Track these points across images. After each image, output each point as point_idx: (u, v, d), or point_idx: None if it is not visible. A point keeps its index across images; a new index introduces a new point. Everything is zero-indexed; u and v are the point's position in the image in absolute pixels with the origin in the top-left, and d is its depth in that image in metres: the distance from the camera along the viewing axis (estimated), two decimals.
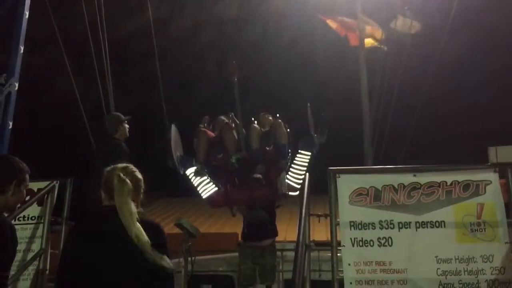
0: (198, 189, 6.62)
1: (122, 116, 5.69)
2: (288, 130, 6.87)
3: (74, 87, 7.98)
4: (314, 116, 7.13)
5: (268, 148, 6.53)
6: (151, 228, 2.66)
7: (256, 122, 6.98)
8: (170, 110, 7.86)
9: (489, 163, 4.08)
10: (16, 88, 6.24)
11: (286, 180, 6.56)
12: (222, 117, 7.10)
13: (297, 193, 6.87)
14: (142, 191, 2.80)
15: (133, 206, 2.60)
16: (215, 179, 6.70)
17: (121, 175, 2.69)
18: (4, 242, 2.63)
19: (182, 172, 7.12)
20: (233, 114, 7.02)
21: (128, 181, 2.67)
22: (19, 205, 3.09)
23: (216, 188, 6.60)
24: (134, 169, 2.81)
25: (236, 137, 6.68)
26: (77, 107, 8.06)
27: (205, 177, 6.61)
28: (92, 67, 7.93)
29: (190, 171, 6.74)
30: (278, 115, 7.05)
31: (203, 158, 6.66)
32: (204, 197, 6.61)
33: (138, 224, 2.55)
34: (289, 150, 6.74)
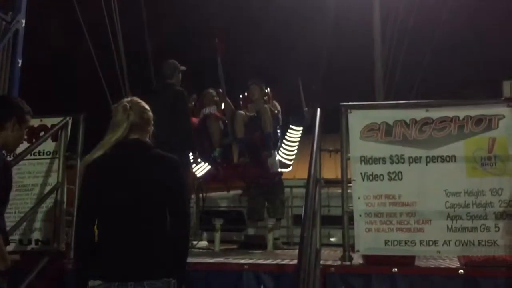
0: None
1: (179, 65, 5.82)
2: (278, 108, 6.64)
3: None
4: (305, 90, 6.91)
5: (255, 135, 6.31)
6: (161, 162, 2.60)
7: (246, 93, 6.81)
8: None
9: (502, 98, 4.04)
10: (23, 25, 6.17)
11: (278, 157, 6.50)
12: (211, 91, 6.83)
13: (289, 169, 6.88)
14: (151, 123, 2.74)
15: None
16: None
17: (127, 106, 2.64)
18: None
19: None
20: (221, 90, 6.69)
21: (132, 113, 2.62)
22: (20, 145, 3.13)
23: (209, 167, 6.53)
24: (140, 101, 2.74)
25: (221, 127, 6.51)
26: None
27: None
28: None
29: None
30: (268, 89, 6.78)
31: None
32: (198, 175, 6.58)
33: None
34: (279, 131, 6.55)
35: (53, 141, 4.50)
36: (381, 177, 4.07)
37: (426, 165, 4.04)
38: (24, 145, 4.37)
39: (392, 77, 9.37)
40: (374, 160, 4.11)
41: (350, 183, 4.16)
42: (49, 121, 4.56)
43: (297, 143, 6.83)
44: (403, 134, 4.12)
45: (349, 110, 4.24)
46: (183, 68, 5.92)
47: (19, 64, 6.10)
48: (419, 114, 4.14)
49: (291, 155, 6.70)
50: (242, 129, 6.30)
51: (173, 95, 5.53)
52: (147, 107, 2.74)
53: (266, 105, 6.39)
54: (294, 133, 6.76)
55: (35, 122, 4.52)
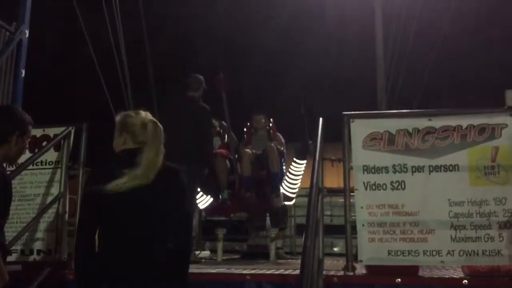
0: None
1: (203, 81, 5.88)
2: (282, 140, 6.66)
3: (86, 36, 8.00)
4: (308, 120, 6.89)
5: (261, 173, 6.33)
6: (171, 174, 2.61)
7: (249, 123, 6.83)
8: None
9: (505, 107, 4.03)
10: (27, 35, 6.20)
11: (282, 190, 6.47)
12: (214, 122, 6.73)
13: (292, 202, 6.88)
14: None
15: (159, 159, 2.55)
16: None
17: (154, 120, 2.65)
18: None
19: None
20: (223, 122, 6.73)
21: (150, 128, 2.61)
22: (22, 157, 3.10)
23: (212, 199, 6.49)
24: (155, 121, 2.73)
25: (228, 165, 6.48)
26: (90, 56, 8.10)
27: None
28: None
29: None
30: (271, 120, 6.79)
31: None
32: (201, 208, 6.55)
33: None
34: (284, 167, 6.53)
35: (55, 151, 4.50)
36: (384, 187, 4.05)
37: (429, 174, 4.02)
38: (26, 155, 4.38)
39: (395, 86, 9.37)
40: (376, 170, 4.10)
41: (353, 192, 4.14)
42: (51, 131, 4.56)
43: (301, 176, 6.82)
44: (405, 143, 4.11)
45: (351, 119, 4.23)
46: (205, 87, 5.96)
47: (23, 75, 6.12)
48: (422, 123, 4.13)
49: (294, 188, 6.68)
50: (249, 168, 6.28)
51: (199, 111, 5.58)
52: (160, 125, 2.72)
53: (272, 144, 6.39)
54: (298, 167, 6.72)
55: (37, 132, 4.53)
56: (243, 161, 6.32)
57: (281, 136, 6.80)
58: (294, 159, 6.83)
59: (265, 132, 6.77)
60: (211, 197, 6.43)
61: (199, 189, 6.26)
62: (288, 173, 6.73)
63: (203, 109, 5.67)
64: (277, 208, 6.37)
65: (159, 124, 2.67)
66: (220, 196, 6.35)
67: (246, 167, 6.27)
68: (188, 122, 5.44)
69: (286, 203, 6.71)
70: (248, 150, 6.45)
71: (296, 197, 8.25)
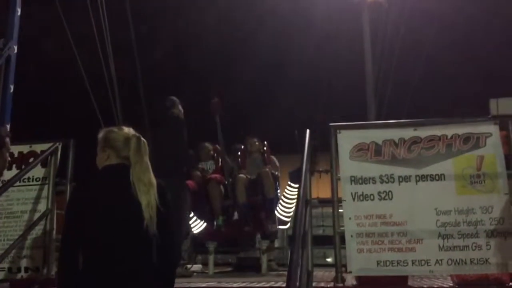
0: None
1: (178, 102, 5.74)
2: (276, 163, 6.64)
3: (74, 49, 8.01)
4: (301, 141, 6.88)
5: (256, 198, 6.24)
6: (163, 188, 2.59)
7: (243, 147, 6.80)
8: None
9: (490, 116, 4.08)
10: (15, 51, 6.20)
11: (277, 214, 6.40)
12: (207, 145, 6.80)
13: (287, 226, 6.80)
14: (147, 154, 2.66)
15: (152, 175, 2.53)
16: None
17: (137, 135, 2.62)
18: None
19: None
20: (217, 146, 6.67)
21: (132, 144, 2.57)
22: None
23: (205, 224, 6.37)
24: (139, 135, 2.69)
25: (222, 191, 6.42)
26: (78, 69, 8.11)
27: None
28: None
29: None
30: (265, 143, 6.76)
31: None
32: (195, 232, 6.42)
33: (154, 194, 2.49)
34: (278, 191, 6.47)
35: (42, 167, 4.48)
36: (372, 197, 4.07)
37: (416, 184, 4.05)
38: (13, 172, 4.37)
39: (383, 97, 9.45)
40: (364, 180, 4.12)
41: (341, 203, 4.15)
42: (38, 147, 4.55)
43: (295, 200, 6.75)
44: (392, 153, 4.14)
45: (338, 131, 4.26)
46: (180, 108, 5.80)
47: (11, 90, 6.13)
48: (408, 133, 4.17)
49: (289, 212, 6.63)
50: (243, 194, 6.19)
51: (174, 124, 5.47)
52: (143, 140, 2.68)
53: (267, 169, 6.31)
54: (293, 191, 6.67)
55: (24, 149, 4.53)
56: (237, 187, 6.22)
57: (275, 159, 6.77)
58: (289, 182, 6.76)
59: (259, 156, 6.71)
60: (204, 221, 6.33)
61: (192, 214, 6.22)
62: (282, 197, 6.64)
63: (176, 120, 5.51)
64: (271, 232, 6.32)
65: (142, 138, 2.66)
66: (215, 223, 6.26)
67: (240, 193, 6.18)
68: (165, 138, 5.32)
69: (281, 227, 6.65)
70: (242, 175, 6.35)
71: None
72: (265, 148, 6.79)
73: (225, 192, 6.43)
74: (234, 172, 6.59)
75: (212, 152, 6.80)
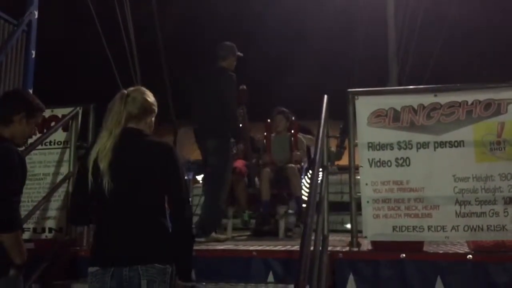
0: None
1: (236, 49, 5.56)
2: (304, 144, 6.34)
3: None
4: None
5: (281, 193, 6.06)
6: (153, 149, 2.55)
7: (267, 126, 6.48)
8: None
9: None
10: (36, 16, 6.24)
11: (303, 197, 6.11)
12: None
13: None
14: (151, 113, 2.69)
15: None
16: None
17: (126, 93, 2.61)
18: (14, 169, 2.75)
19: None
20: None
21: (128, 101, 2.58)
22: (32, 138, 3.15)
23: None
24: (144, 90, 2.71)
25: (246, 182, 6.13)
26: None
27: None
28: None
29: None
30: (293, 118, 6.39)
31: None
32: None
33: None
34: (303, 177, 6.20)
35: (64, 131, 4.57)
36: (389, 163, 4.06)
37: (434, 150, 4.01)
38: (35, 135, 4.46)
39: (405, 64, 9.28)
40: (381, 146, 4.10)
41: (358, 169, 4.16)
42: (60, 112, 4.63)
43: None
44: (410, 120, 4.10)
45: (356, 97, 4.22)
46: (240, 54, 5.56)
47: (33, 56, 6.18)
48: (427, 99, 4.11)
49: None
50: (268, 191, 5.91)
51: (223, 81, 5.23)
52: (149, 98, 2.69)
53: (293, 165, 5.97)
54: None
55: (46, 113, 4.56)
56: (262, 183, 5.96)
57: (303, 138, 6.46)
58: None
59: (287, 137, 6.40)
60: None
61: None
62: (307, 178, 6.42)
63: (226, 78, 5.27)
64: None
65: (124, 92, 2.64)
66: (241, 218, 6.19)
67: (265, 190, 5.91)
68: (212, 96, 5.18)
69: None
70: (267, 169, 6.02)
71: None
72: (294, 126, 6.40)
73: (249, 183, 6.21)
74: (259, 159, 6.35)
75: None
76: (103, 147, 2.50)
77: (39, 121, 3.08)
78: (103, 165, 2.46)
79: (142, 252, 2.46)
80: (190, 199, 2.63)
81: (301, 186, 5.99)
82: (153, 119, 2.74)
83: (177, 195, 2.56)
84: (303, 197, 6.16)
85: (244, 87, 6.07)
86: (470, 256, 3.73)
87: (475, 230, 3.83)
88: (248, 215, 6.26)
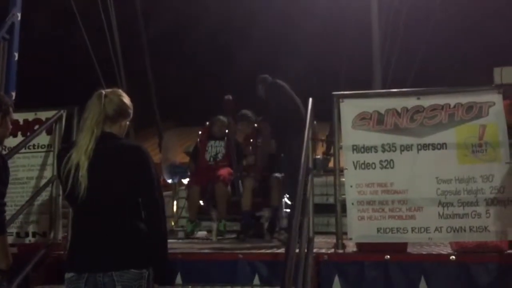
0: None
1: None
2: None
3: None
4: None
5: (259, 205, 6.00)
6: (124, 153, 2.52)
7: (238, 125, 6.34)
8: None
9: (493, 84, 4.06)
10: (19, 18, 6.18)
11: (286, 200, 6.05)
12: (222, 118, 6.33)
13: None
14: (127, 116, 2.65)
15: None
16: None
17: (103, 94, 2.57)
18: None
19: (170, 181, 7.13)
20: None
21: (105, 102, 2.53)
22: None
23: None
24: (121, 93, 2.66)
25: (229, 192, 6.07)
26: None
27: None
28: None
29: None
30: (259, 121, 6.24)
31: (195, 215, 6.24)
32: None
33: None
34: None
35: (47, 134, 4.53)
36: (373, 166, 4.10)
37: (418, 153, 4.06)
38: (18, 139, 4.42)
39: (388, 67, 9.38)
40: (366, 149, 4.14)
41: (342, 171, 4.19)
42: (43, 115, 4.59)
43: None
44: (394, 122, 4.15)
45: (341, 99, 4.26)
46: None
47: (16, 58, 6.12)
48: (410, 102, 4.16)
49: None
50: (249, 202, 5.86)
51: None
52: (126, 100, 2.64)
53: (276, 175, 5.85)
54: None
55: (29, 116, 4.57)
56: (244, 193, 5.89)
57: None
58: None
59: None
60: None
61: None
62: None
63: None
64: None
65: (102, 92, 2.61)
66: (217, 228, 6.13)
67: (246, 200, 5.86)
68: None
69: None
70: (250, 179, 5.98)
71: None
72: (259, 128, 6.26)
73: (232, 191, 6.15)
74: (246, 161, 6.33)
75: (224, 128, 6.34)
76: (85, 149, 2.47)
77: (13, 117, 3.04)
78: (82, 170, 2.43)
79: (116, 257, 2.42)
80: (163, 200, 2.55)
81: (280, 198, 5.92)
82: (127, 122, 2.70)
83: (149, 196, 2.52)
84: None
85: (230, 97, 6.07)
86: (453, 257, 3.78)
87: (457, 231, 3.88)
88: (224, 225, 6.27)
